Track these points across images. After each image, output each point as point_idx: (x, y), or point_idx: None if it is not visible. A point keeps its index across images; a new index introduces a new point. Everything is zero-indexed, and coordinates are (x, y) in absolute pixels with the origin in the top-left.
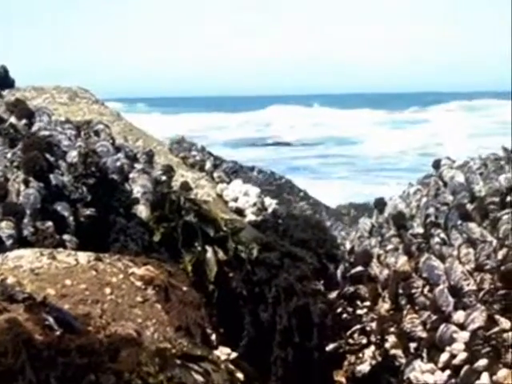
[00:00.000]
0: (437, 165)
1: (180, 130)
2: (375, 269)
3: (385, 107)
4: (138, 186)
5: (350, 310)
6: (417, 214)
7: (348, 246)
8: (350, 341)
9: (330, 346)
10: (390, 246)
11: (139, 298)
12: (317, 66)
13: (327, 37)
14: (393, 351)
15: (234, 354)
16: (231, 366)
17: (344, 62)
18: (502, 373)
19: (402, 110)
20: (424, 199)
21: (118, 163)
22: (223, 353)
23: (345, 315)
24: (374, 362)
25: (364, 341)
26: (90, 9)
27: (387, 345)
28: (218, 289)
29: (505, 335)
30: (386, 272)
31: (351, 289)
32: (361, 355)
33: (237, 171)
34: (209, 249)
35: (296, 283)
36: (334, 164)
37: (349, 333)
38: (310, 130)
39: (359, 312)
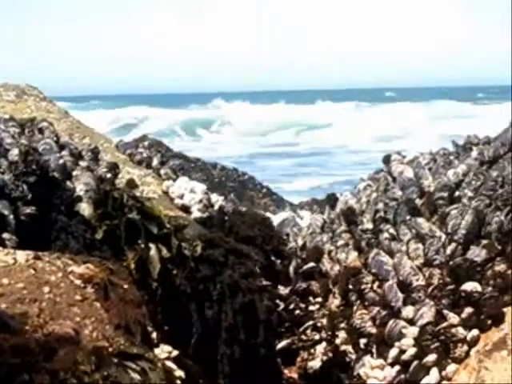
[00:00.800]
0: (387, 160)
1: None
2: (326, 265)
3: None
4: (81, 184)
5: (302, 306)
6: (367, 209)
7: (300, 242)
8: (303, 337)
9: (283, 343)
10: (340, 242)
11: (78, 297)
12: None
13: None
14: (343, 347)
15: (175, 352)
16: (170, 365)
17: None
18: (451, 368)
19: None
20: (374, 194)
21: (61, 161)
22: (164, 351)
23: (297, 311)
24: (325, 358)
25: (317, 337)
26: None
27: (338, 341)
28: (161, 286)
29: (453, 330)
30: (336, 268)
31: (303, 285)
32: (313, 351)
33: (183, 168)
34: (152, 246)
35: (241, 280)
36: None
37: (301, 329)
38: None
39: (311, 308)
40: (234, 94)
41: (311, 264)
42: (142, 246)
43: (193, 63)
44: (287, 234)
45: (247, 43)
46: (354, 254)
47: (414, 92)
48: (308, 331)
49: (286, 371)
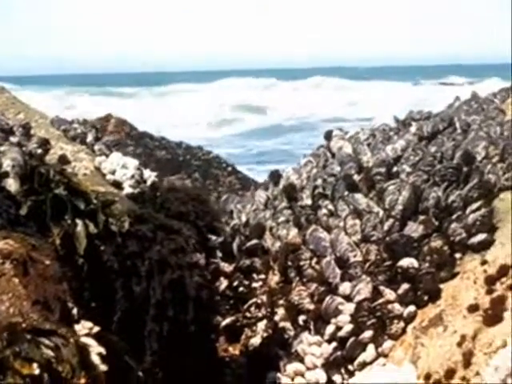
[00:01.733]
0: (328, 136)
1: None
2: (268, 241)
3: None
4: (8, 159)
5: (246, 283)
6: (306, 185)
7: (244, 218)
8: (247, 314)
9: (227, 320)
10: (281, 219)
11: None
12: None
13: None
14: (282, 324)
15: (96, 329)
16: (89, 341)
17: None
18: (388, 344)
19: None
20: (314, 170)
21: None
22: (85, 327)
23: (241, 288)
24: (265, 335)
25: (259, 314)
26: None
27: (277, 317)
28: (88, 262)
29: (390, 306)
30: (277, 244)
31: (247, 262)
32: (255, 328)
33: (119, 144)
34: (79, 222)
35: (170, 256)
36: None
37: (245, 306)
38: None
39: (255, 285)
40: None
41: (254, 241)
42: (69, 221)
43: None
44: (231, 211)
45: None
46: (294, 231)
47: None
48: (252, 308)
49: (230, 348)
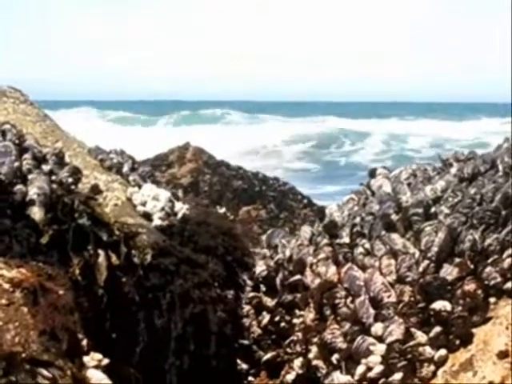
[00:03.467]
0: (372, 174)
1: None
2: (309, 278)
3: None
4: (35, 188)
5: (288, 318)
6: (347, 223)
7: (288, 253)
8: (288, 350)
9: (268, 355)
10: (321, 255)
11: (4, 301)
12: None
13: None
14: (315, 362)
15: (105, 361)
16: (96, 373)
17: None
18: None
19: None
20: (355, 208)
21: (16, 164)
22: (94, 359)
23: (283, 324)
24: (300, 372)
25: (296, 351)
26: None
27: (310, 355)
28: (108, 294)
29: (421, 349)
30: (317, 281)
31: (289, 297)
32: (292, 365)
33: (153, 175)
34: (101, 253)
35: (193, 290)
36: None
37: (287, 342)
38: None
39: (295, 321)
40: None
41: (296, 277)
42: (91, 252)
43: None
44: (275, 246)
45: None
46: (333, 268)
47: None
48: (292, 344)
49: (270, 383)
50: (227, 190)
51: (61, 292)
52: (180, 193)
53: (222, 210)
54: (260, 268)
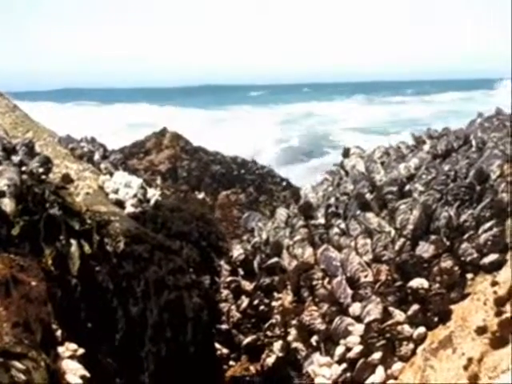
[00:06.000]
0: (346, 153)
1: None
2: (286, 260)
3: None
4: (5, 179)
5: (266, 301)
6: (322, 203)
7: (264, 236)
8: (268, 333)
9: (248, 339)
10: (297, 237)
11: None
12: None
13: None
14: (295, 344)
15: (81, 350)
16: (71, 363)
17: None
18: (397, 366)
19: None
20: (330, 189)
21: None
22: (69, 349)
23: (262, 307)
24: (280, 355)
25: (275, 334)
26: None
27: (290, 338)
28: (82, 283)
29: (399, 328)
30: (294, 263)
31: (267, 280)
32: (272, 348)
33: (125, 162)
34: (73, 242)
35: (167, 276)
36: None
37: (266, 325)
38: None
39: (274, 304)
40: None
41: (273, 259)
42: (63, 242)
43: None
44: (252, 229)
45: None
46: (309, 250)
47: None
48: (271, 327)
49: (251, 367)
50: (206, 175)
51: (33, 283)
52: (158, 180)
53: (201, 196)
54: (237, 252)
